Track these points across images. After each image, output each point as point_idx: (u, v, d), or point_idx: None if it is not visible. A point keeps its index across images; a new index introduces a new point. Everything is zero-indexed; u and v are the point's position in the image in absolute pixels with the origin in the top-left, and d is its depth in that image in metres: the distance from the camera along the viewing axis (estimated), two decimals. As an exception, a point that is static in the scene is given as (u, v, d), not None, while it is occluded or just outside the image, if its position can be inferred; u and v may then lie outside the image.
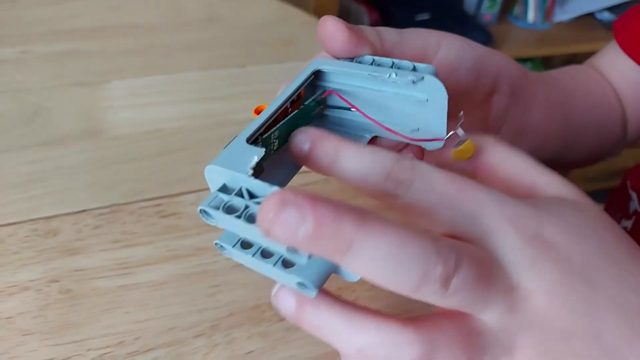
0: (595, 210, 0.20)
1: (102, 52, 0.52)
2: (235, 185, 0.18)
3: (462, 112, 0.22)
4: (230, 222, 0.18)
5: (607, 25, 1.35)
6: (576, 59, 1.57)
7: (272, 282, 0.31)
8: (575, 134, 0.38)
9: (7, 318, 0.28)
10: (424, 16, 1.27)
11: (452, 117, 0.22)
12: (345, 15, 1.29)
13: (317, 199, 0.15)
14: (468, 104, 0.29)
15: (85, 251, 0.32)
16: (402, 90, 0.21)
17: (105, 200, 0.36)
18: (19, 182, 0.37)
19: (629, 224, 0.41)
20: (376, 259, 0.15)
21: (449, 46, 0.26)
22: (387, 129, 0.21)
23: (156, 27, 0.57)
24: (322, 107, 0.23)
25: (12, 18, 0.56)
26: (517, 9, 1.38)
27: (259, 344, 0.28)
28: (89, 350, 0.27)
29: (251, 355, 0.27)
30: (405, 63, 0.21)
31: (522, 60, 1.38)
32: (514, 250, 0.18)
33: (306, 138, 0.19)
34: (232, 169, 0.18)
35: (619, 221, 0.43)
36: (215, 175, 0.19)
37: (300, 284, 0.17)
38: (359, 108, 0.22)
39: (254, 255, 0.18)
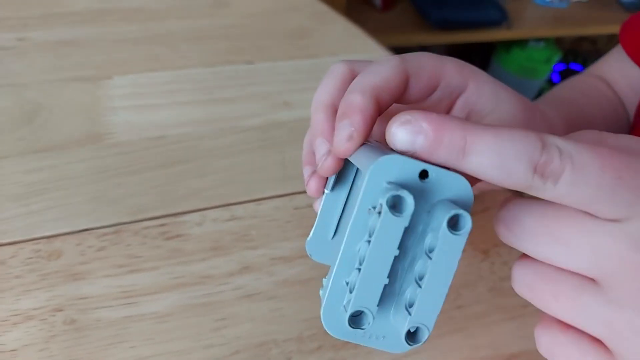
0: None
1: (103, 41, 0.50)
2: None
3: None
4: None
5: (628, 7, 1.30)
6: (589, 41, 1.52)
7: (277, 317, 0.31)
8: None
9: (11, 351, 0.28)
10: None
11: None
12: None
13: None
14: None
15: (89, 276, 0.32)
16: None
17: (108, 218, 0.35)
18: (20, 193, 0.35)
19: None
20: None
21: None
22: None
23: (160, 12, 0.55)
24: None
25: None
26: (535, -15, 1.33)
27: (264, 384, 0.28)
28: (94, 386, 0.27)
29: (256, 396, 0.27)
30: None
31: (536, 40, 1.33)
32: None
33: (419, 128, 0.16)
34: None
35: None
36: None
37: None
38: None
39: None
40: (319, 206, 0.24)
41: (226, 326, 0.30)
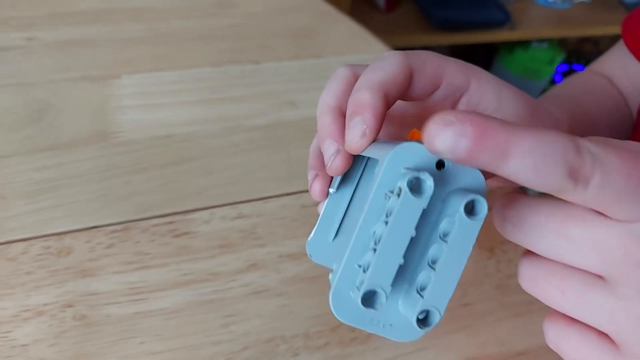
0: None
1: (110, 41, 0.50)
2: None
3: None
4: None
5: (630, 8, 1.30)
6: (592, 42, 1.52)
7: (285, 314, 0.31)
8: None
9: (22, 345, 0.28)
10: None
11: None
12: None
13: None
14: None
15: (99, 272, 0.32)
16: None
17: (117, 216, 0.35)
18: (28, 191, 0.36)
19: None
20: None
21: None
22: None
23: (166, 11, 0.55)
24: None
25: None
26: (538, -14, 1.33)
27: (273, 380, 0.28)
28: (104, 382, 0.27)
29: (265, 392, 0.28)
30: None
31: (539, 41, 1.34)
32: None
33: (463, 130, 0.15)
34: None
35: None
36: None
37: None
38: None
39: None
40: (322, 209, 0.24)
41: (234, 322, 0.31)
